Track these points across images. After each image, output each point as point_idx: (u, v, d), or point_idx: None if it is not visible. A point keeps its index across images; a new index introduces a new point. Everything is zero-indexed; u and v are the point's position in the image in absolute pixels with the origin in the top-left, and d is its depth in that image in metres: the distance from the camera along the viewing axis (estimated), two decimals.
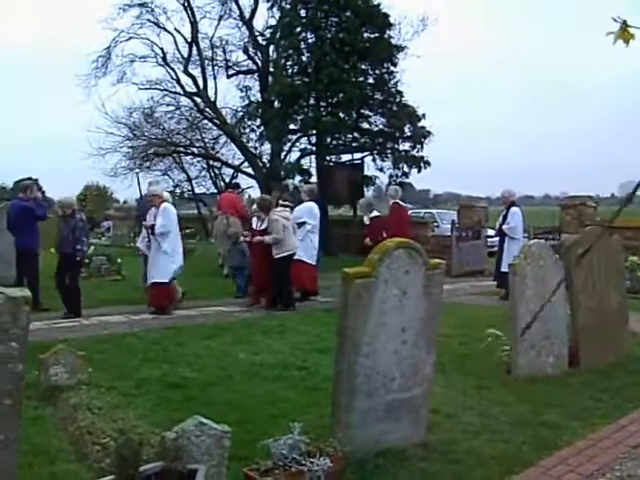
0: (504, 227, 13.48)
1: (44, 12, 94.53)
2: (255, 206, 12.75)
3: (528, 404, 6.23)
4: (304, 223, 13.15)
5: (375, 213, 14.13)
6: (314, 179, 22.69)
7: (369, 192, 16.11)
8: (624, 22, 2.48)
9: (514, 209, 13.55)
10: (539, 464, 4.82)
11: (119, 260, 16.13)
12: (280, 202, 15.21)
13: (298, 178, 22.36)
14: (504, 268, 12.98)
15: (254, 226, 12.32)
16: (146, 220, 11.76)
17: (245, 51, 25.89)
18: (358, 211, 15.45)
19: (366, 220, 14.17)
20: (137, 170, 12.32)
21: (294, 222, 12.93)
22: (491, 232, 19.02)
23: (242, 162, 26.76)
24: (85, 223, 11.60)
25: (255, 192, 24.12)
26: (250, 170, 25.40)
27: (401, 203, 14.66)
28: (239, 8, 25.41)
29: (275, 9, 22.90)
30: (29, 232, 11.87)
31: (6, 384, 3.37)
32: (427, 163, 21.66)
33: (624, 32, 2.49)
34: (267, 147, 24.54)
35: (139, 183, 13.69)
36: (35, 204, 12.01)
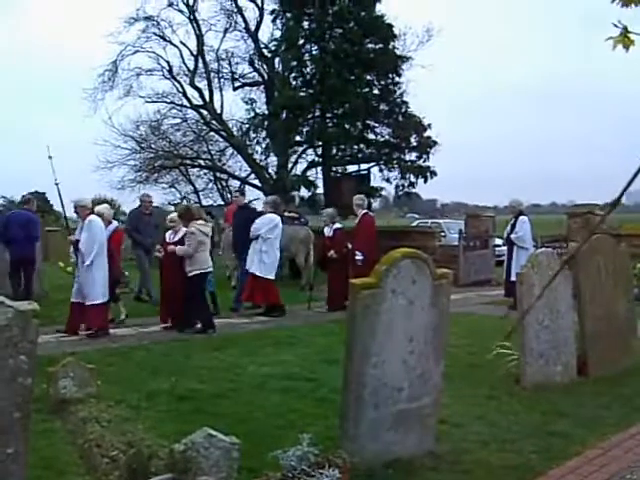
0: (512, 236, 13.46)
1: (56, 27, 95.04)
2: (172, 216, 11.78)
3: (537, 413, 6.21)
4: (259, 236, 12.56)
5: (338, 225, 13.67)
6: (320, 190, 22.75)
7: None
8: (625, 28, 2.47)
9: (522, 218, 13.54)
10: (549, 474, 4.80)
11: (127, 273, 16.10)
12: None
13: (304, 190, 22.46)
14: (513, 277, 12.99)
15: (167, 239, 11.42)
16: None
17: (251, 63, 26.00)
18: (321, 222, 14.74)
19: (328, 232, 13.61)
20: (57, 181, 11.25)
21: (254, 234, 12.52)
22: (498, 241, 19.01)
23: (249, 174, 26.82)
24: None
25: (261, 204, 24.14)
26: (257, 182, 25.45)
27: (370, 213, 14.19)
28: (244, 20, 25.56)
29: (279, 21, 22.99)
30: (33, 242, 11.89)
31: (15, 397, 3.38)
32: (433, 173, 21.67)
33: (624, 38, 2.48)
34: (274, 159, 24.62)
35: (60, 194, 12.65)
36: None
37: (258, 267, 12.51)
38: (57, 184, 11.42)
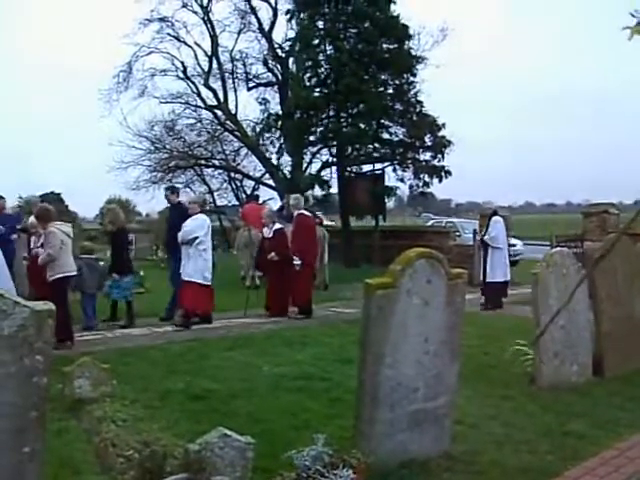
0: (485, 237, 13.61)
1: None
2: (31, 220, 10.70)
3: (552, 414, 6.18)
4: (196, 238, 11.40)
5: (278, 226, 12.94)
6: (334, 190, 22.75)
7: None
8: None
9: (495, 218, 13.67)
10: (565, 475, 4.77)
11: (142, 273, 16.17)
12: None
13: (318, 189, 22.47)
14: (488, 278, 13.16)
15: (32, 245, 10.42)
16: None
17: (265, 64, 26.10)
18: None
19: (267, 233, 13.01)
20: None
21: (186, 237, 11.39)
22: (513, 241, 18.98)
23: (263, 174, 26.92)
24: None
25: (275, 204, 24.24)
26: (271, 182, 25.50)
27: (306, 213, 13.29)
28: (258, 21, 25.66)
29: (294, 21, 23.01)
30: None
31: (31, 397, 3.40)
32: (448, 173, 21.60)
33: None
34: (288, 159, 24.69)
35: None
36: None
37: (193, 273, 11.44)
38: None
